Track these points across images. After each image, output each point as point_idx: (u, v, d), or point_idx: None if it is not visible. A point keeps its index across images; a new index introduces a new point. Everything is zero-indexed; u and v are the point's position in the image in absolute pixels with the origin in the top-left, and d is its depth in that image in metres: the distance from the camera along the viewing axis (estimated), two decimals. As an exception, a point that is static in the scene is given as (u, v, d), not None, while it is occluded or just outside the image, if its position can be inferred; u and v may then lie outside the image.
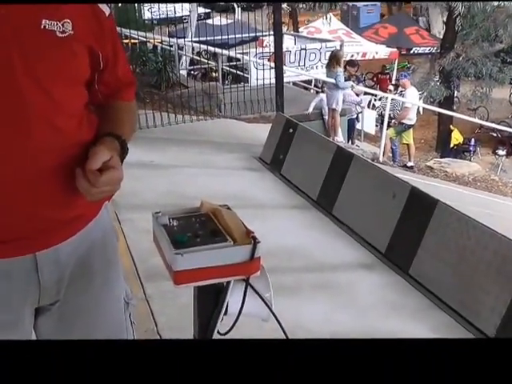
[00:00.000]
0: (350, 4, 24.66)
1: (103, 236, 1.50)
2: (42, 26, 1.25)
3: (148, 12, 14.92)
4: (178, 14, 15.29)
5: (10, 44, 1.22)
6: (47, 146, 1.29)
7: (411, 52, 17.25)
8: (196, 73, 13.42)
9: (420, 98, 11.37)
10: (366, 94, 11.67)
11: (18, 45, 1.22)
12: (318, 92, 11.07)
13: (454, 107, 14.11)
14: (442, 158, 11.12)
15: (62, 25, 1.27)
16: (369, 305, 3.93)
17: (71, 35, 1.28)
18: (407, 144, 10.04)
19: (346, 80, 9.09)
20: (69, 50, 1.29)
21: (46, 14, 1.25)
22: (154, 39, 11.36)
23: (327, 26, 16.99)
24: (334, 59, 9.03)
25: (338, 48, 10.24)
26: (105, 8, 1.38)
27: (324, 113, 9.09)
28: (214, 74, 12.48)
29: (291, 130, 6.63)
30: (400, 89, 10.91)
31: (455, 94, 14.24)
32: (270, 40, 9.22)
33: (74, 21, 1.29)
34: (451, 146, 12.69)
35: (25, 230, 1.32)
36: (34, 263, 1.35)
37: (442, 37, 15.14)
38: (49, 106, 1.28)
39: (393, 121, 10.02)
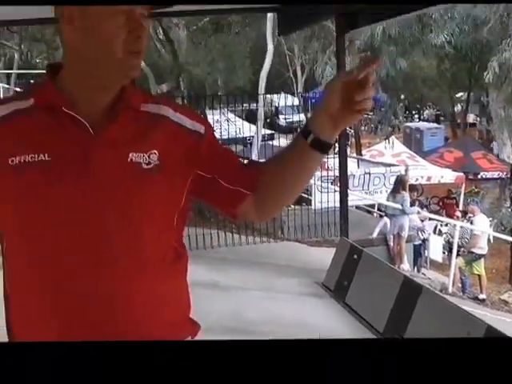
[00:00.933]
0: (413, 127, 25.03)
1: None
2: (129, 159, 1.30)
3: (215, 133, 15.48)
4: (243, 135, 15.87)
5: (98, 178, 1.28)
6: (131, 282, 1.31)
7: (479, 177, 16.98)
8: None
9: (490, 225, 11.00)
10: (430, 219, 11.43)
11: (104, 178, 1.28)
12: (381, 216, 10.91)
13: (528, 236, 13.55)
14: (517, 290, 10.52)
15: (149, 156, 1.31)
16: None
17: (157, 165, 1.31)
18: (478, 275, 9.59)
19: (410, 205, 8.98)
20: (154, 181, 1.32)
21: (134, 147, 1.31)
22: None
23: (390, 150, 17.12)
24: (399, 184, 8.98)
25: (403, 173, 10.18)
26: (197, 126, 1.38)
27: (388, 238, 8.90)
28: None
29: (355, 256, 6.48)
30: (469, 215, 10.62)
31: (528, 222, 13.73)
32: (333, 163, 9.25)
33: (161, 150, 1.32)
34: (527, 277, 12.03)
35: None
36: None
37: (511, 161, 14.97)
38: (135, 240, 1.31)
39: (462, 249, 9.67)
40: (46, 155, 1.27)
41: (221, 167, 1.41)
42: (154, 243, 1.34)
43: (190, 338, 1.47)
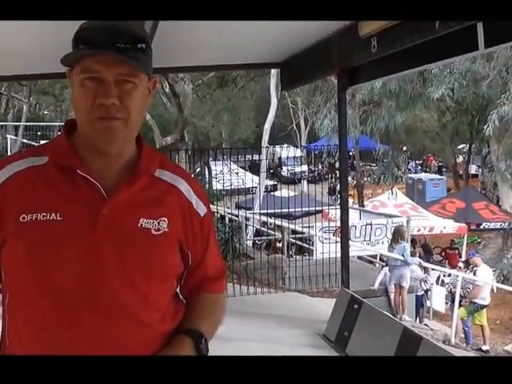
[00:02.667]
0: (415, 178, 25.19)
1: None
2: (139, 225, 1.34)
3: (218, 184, 15.69)
4: (246, 186, 16.03)
5: (105, 240, 1.31)
6: (128, 339, 1.32)
7: (481, 227, 16.96)
8: (261, 242, 13.66)
9: (493, 276, 10.95)
10: (433, 269, 11.40)
11: (112, 241, 1.31)
12: (382, 266, 10.90)
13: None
14: (522, 344, 10.36)
15: (158, 223, 1.36)
16: None
17: (165, 232, 1.36)
18: (481, 325, 9.50)
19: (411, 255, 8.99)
20: (161, 247, 1.36)
21: (145, 214, 1.35)
22: (223, 210, 11.80)
23: (393, 200, 17.20)
24: (397, 234, 9.00)
25: (405, 224, 10.22)
26: (201, 209, 1.45)
27: (389, 289, 8.87)
28: (278, 244, 12.64)
29: (356, 306, 6.46)
30: (471, 266, 10.60)
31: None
32: (335, 213, 9.33)
33: (171, 219, 1.38)
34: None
35: None
36: None
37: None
38: (135, 301, 1.33)
39: (464, 300, 9.61)
40: (58, 215, 1.30)
41: (198, 259, 1.48)
42: (155, 302, 1.38)
43: None
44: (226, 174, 13.63)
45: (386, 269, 9.18)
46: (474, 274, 9.89)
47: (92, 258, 1.30)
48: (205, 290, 1.52)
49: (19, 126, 20.57)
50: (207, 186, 13.54)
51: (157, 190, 1.39)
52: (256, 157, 14.66)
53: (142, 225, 1.34)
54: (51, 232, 1.29)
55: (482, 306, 9.50)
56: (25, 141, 19.30)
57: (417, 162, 32.39)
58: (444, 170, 30.85)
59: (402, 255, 8.62)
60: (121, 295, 1.31)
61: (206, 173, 14.46)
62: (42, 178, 1.33)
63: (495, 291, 11.72)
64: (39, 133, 19.66)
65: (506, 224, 16.11)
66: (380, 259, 12.76)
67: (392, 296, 8.78)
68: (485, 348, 9.11)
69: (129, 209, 1.34)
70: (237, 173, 15.29)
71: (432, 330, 8.49)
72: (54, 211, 1.30)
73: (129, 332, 1.32)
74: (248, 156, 13.68)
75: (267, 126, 16.51)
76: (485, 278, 9.65)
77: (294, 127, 28.44)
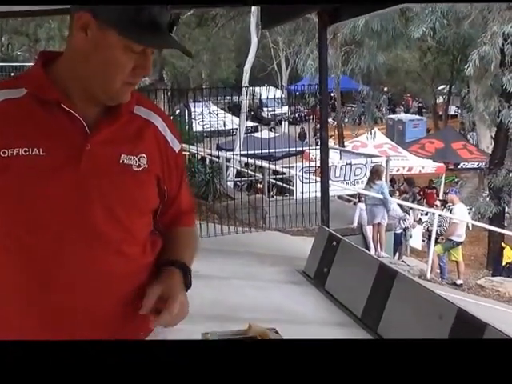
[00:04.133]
0: (396, 119, 25.25)
1: None
2: (121, 161, 1.36)
3: (199, 125, 15.59)
4: (227, 127, 15.97)
5: (89, 176, 1.31)
6: (112, 272, 1.36)
7: (459, 167, 17.22)
8: (242, 183, 13.74)
9: (469, 214, 11.20)
10: (411, 208, 11.62)
11: (96, 177, 1.32)
12: (355, 203, 10.99)
13: (506, 223, 13.80)
14: (493, 276, 10.67)
15: (139, 159, 1.38)
16: None
17: (145, 169, 1.39)
18: (456, 261, 9.79)
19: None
20: (142, 183, 1.39)
21: (126, 150, 1.37)
22: (204, 151, 11.78)
23: (372, 141, 17.30)
24: (375, 174, 9.09)
25: (384, 164, 10.33)
26: (176, 145, 1.49)
27: (364, 226, 9.01)
28: (259, 185, 12.73)
29: (334, 243, 6.60)
30: (448, 204, 10.82)
31: (506, 210, 13.97)
32: (315, 153, 9.38)
33: (149, 155, 1.40)
34: (503, 263, 12.22)
35: None
36: None
37: (490, 152, 15.16)
38: (119, 235, 1.37)
39: (440, 237, 9.84)
40: (41, 150, 1.28)
41: (172, 194, 1.51)
42: (136, 236, 1.41)
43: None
44: (206, 116, 13.51)
45: (361, 205, 9.29)
46: (451, 212, 10.10)
47: (75, 193, 1.30)
48: (180, 223, 1.57)
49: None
50: (187, 127, 13.45)
51: (135, 126, 1.41)
52: (236, 98, 14.54)
53: (123, 161, 1.36)
54: (34, 167, 1.27)
55: (458, 243, 9.74)
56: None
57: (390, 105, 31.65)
58: (424, 110, 30.90)
59: (382, 193, 8.73)
60: (105, 229, 1.34)
61: (186, 114, 14.35)
62: (21, 112, 1.30)
63: (470, 228, 12.01)
64: (12, 73, 19.23)
65: (483, 164, 16.35)
66: (359, 198, 12.94)
67: (369, 233, 8.94)
68: (459, 282, 9.41)
69: (111, 145, 1.35)
70: (217, 114, 15.19)
71: (409, 265, 8.72)
72: (37, 146, 1.28)
73: (113, 264, 1.36)
74: (228, 97, 13.57)
75: (247, 66, 16.31)
76: (461, 215, 9.86)
77: (275, 67, 28.09)
